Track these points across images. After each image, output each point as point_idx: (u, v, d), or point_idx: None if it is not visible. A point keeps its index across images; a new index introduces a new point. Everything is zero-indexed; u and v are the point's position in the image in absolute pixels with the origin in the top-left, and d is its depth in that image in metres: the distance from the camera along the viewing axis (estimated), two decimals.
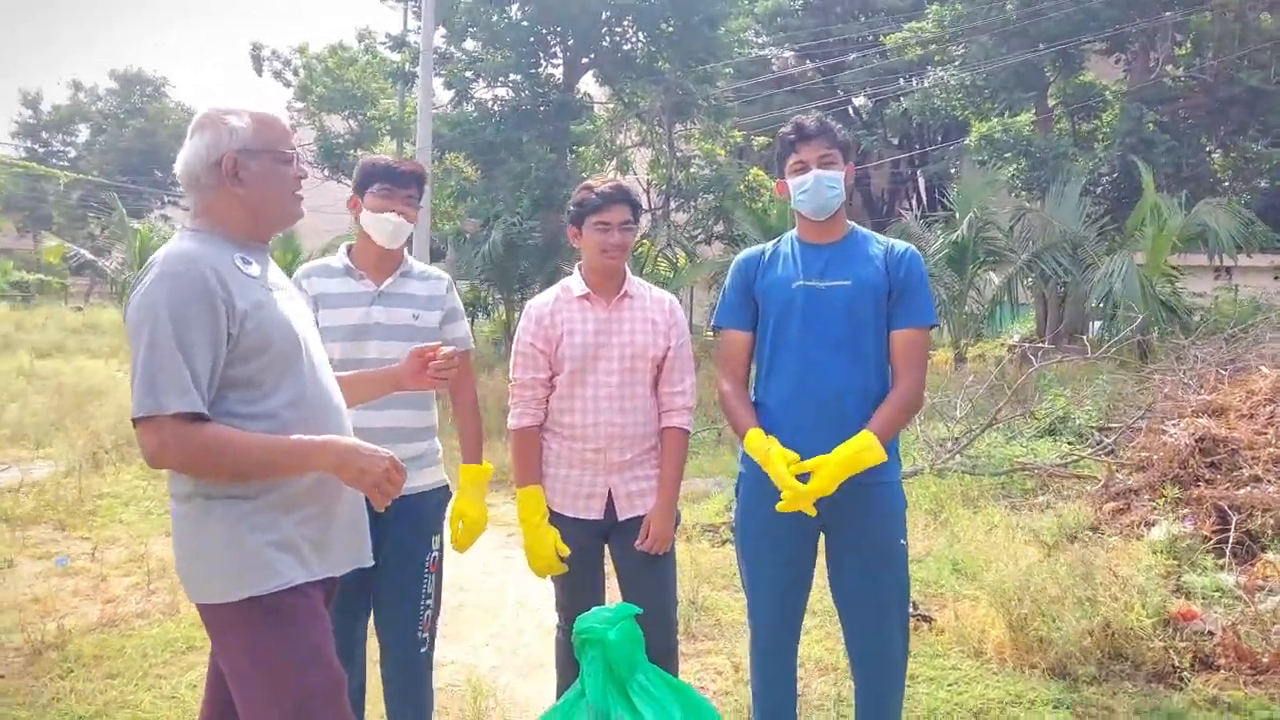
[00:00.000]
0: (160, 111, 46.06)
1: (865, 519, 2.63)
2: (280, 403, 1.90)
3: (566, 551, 2.75)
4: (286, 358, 1.92)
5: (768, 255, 2.80)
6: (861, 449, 2.46)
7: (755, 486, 2.67)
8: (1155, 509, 5.30)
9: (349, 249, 2.90)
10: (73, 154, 49.56)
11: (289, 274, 2.81)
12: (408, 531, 2.78)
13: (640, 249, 18.78)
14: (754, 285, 2.76)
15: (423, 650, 2.87)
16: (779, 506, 2.46)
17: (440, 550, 2.89)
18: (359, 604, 2.82)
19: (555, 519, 2.81)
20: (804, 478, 2.45)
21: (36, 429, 9.61)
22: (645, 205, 21.25)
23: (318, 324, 2.70)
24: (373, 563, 2.16)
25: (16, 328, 21.42)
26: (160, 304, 1.78)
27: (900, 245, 2.74)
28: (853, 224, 2.80)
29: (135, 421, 1.78)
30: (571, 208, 2.85)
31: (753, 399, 2.76)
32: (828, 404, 2.61)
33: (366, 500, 2.61)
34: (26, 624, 4.17)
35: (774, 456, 2.49)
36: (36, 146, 49.39)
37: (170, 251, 1.87)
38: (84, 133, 50.04)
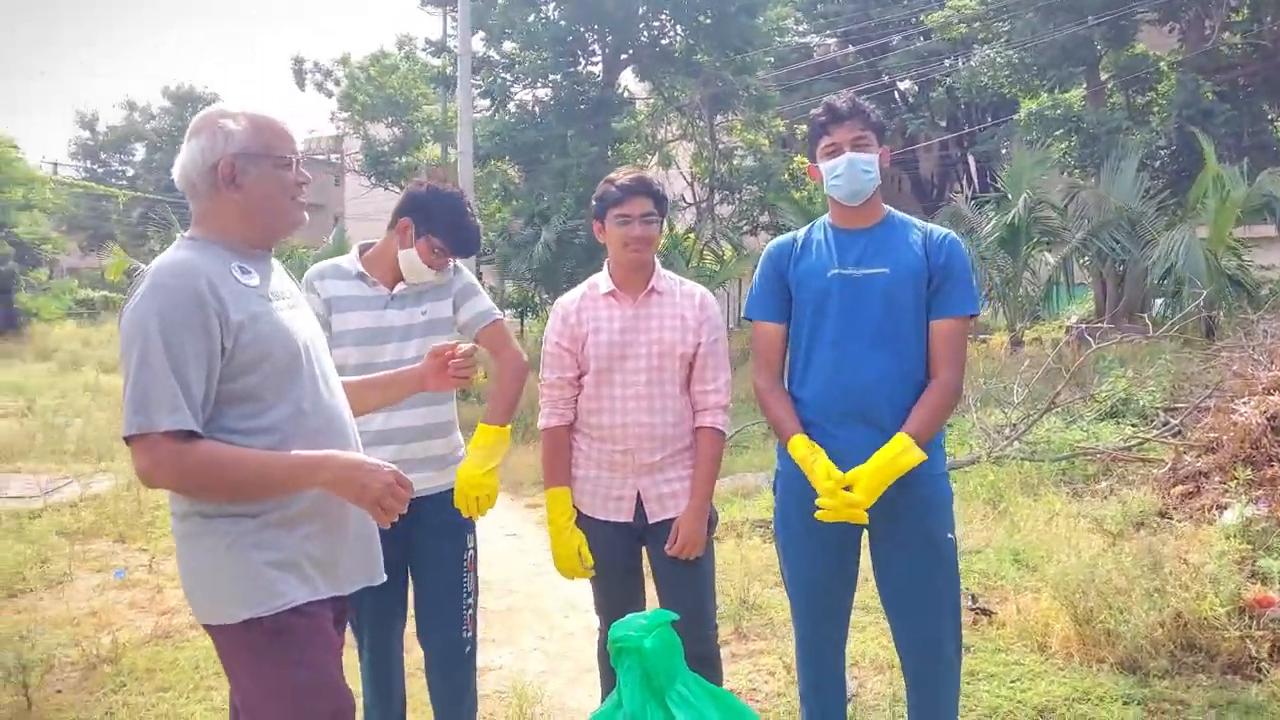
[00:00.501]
0: None
1: (909, 514, 2.51)
2: (281, 416, 1.84)
3: (590, 559, 2.69)
4: (286, 369, 1.86)
5: (800, 243, 2.69)
6: (898, 453, 2.36)
7: (793, 483, 2.57)
8: (1227, 491, 5.09)
9: (361, 251, 2.85)
10: (130, 173, 50.85)
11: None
12: (442, 531, 2.75)
13: (686, 243, 18.71)
14: (787, 274, 2.66)
15: (467, 650, 2.85)
16: (819, 516, 2.36)
17: (475, 548, 2.85)
18: (395, 611, 2.80)
19: (585, 521, 2.75)
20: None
21: (99, 443, 9.82)
22: (690, 199, 21.17)
23: (331, 327, 2.68)
24: (385, 579, 2.09)
25: (84, 344, 22.05)
26: (151, 318, 1.72)
27: (939, 231, 2.63)
28: (889, 208, 2.68)
29: (128, 440, 1.73)
30: (594, 202, 2.78)
31: (788, 390, 2.66)
32: (866, 397, 2.51)
33: None
34: (82, 638, 4.23)
35: (819, 470, 2.40)
36: (96, 167, 50.79)
37: (163, 262, 1.81)
38: (140, 152, 51.32)
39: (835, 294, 2.55)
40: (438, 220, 2.72)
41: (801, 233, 2.72)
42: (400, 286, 2.78)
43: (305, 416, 1.87)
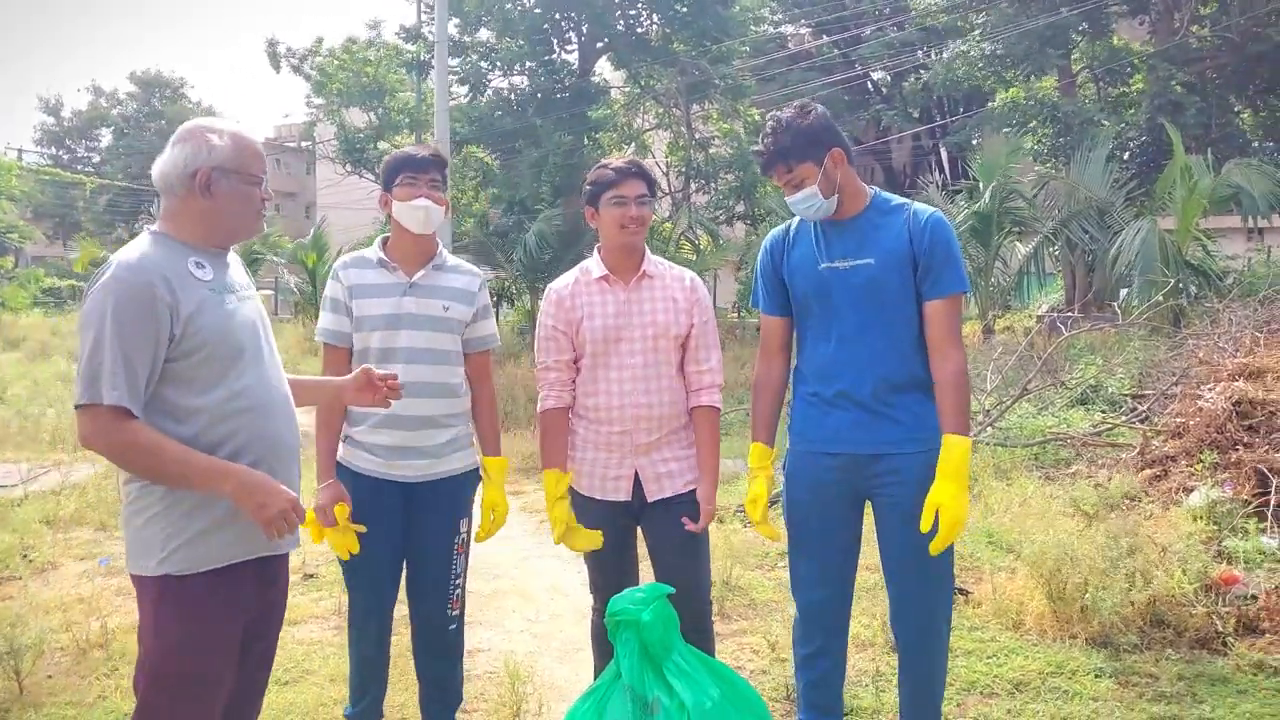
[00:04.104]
0: (180, 113, 46.42)
1: (911, 486, 2.57)
2: (216, 398, 2.04)
3: (568, 522, 2.81)
4: (226, 356, 2.06)
5: (792, 233, 2.77)
6: (959, 455, 2.44)
7: (802, 460, 2.71)
8: (1193, 475, 5.23)
9: (384, 242, 2.93)
10: (96, 159, 50.11)
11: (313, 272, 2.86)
12: (442, 514, 2.87)
13: (662, 232, 18.76)
14: (781, 268, 2.75)
15: (452, 629, 2.93)
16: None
17: (469, 532, 2.95)
18: (388, 590, 2.90)
19: (584, 501, 2.82)
20: (933, 531, 2.43)
21: (74, 432, 9.75)
22: (665, 189, 21.22)
23: (352, 314, 2.81)
24: (298, 546, 2.27)
25: (52, 334, 21.74)
26: (107, 311, 1.94)
27: (924, 212, 2.65)
28: (874, 191, 2.72)
29: (77, 408, 1.96)
30: (587, 187, 2.84)
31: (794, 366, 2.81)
32: (858, 382, 2.60)
33: (391, 485, 2.78)
34: (72, 624, 4.24)
35: (754, 488, 2.74)
36: (61, 153, 50.00)
37: (125, 256, 2.01)
38: (106, 137, 50.57)
39: (825, 287, 2.63)
40: (394, 165, 2.88)
41: (794, 223, 2.79)
42: (419, 274, 2.85)
43: (241, 399, 2.08)
